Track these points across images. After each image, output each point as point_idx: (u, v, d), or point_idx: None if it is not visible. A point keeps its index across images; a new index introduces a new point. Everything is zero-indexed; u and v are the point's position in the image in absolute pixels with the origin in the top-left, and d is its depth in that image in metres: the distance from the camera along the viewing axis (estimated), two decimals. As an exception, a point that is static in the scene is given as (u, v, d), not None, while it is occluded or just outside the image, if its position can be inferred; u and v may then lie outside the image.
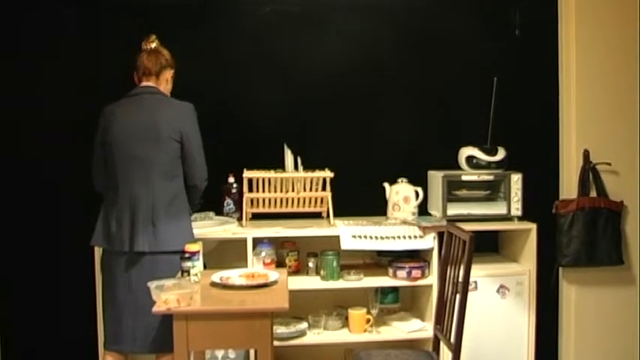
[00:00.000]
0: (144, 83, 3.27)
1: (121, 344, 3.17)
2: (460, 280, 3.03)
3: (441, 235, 3.54)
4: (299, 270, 3.89)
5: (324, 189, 3.81)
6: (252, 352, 3.66)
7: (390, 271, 3.77)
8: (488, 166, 3.94)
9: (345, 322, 3.84)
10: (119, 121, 3.17)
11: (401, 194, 3.91)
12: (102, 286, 3.28)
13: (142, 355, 3.37)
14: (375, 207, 3.96)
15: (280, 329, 3.68)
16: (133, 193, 3.13)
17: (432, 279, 3.74)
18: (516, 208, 3.87)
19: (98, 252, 3.50)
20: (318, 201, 3.86)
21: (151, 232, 3.11)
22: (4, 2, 3.91)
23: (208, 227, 3.64)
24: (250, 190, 3.77)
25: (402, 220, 3.84)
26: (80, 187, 3.49)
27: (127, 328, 3.14)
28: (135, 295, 3.03)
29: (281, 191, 3.79)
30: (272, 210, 3.86)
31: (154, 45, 3.31)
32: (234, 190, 3.91)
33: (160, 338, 3.00)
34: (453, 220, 3.65)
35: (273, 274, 3.05)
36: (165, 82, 3.32)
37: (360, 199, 4.00)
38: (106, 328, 3.23)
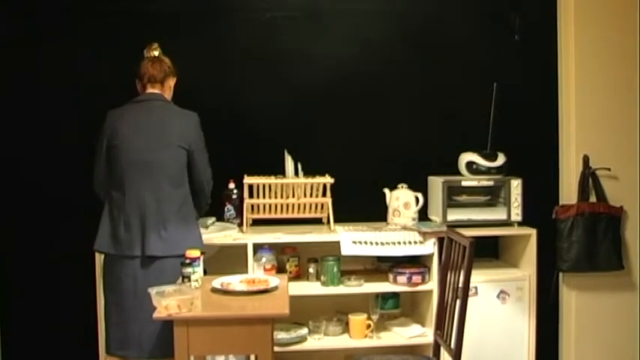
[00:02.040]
0: (149, 90, 3.28)
1: (127, 350, 3.17)
2: (460, 285, 3.03)
3: (441, 241, 3.54)
4: (299, 275, 3.89)
5: (324, 195, 3.82)
6: (252, 357, 3.65)
7: (391, 276, 3.77)
8: (488, 171, 3.94)
9: (346, 328, 3.84)
10: (127, 126, 3.18)
11: (401, 200, 3.92)
12: (104, 290, 3.27)
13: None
14: (376, 213, 3.96)
15: (281, 335, 3.67)
16: (141, 197, 3.14)
17: (433, 284, 3.74)
18: (516, 214, 3.88)
19: (99, 256, 3.50)
20: (319, 207, 3.86)
21: (163, 237, 3.12)
22: (5, 8, 3.92)
23: (209, 233, 3.64)
24: (251, 196, 3.78)
25: (402, 226, 3.84)
26: (80, 191, 3.49)
27: (133, 334, 3.14)
28: (141, 299, 3.01)
29: (281, 197, 3.79)
30: (272, 216, 3.87)
31: (156, 53, 3.32)
32: (234, 196, 3.92)
33: (166, 343, 2.99)
34: (453, 226, 3.64)
35: (274, 280, 3.05)
36: (168, 90, 3.34)
37: (360, 204, 4.00)
38: (110, 334, 3.22)
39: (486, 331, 3.78)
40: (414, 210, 3.92)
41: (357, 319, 3.78)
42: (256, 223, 3.89)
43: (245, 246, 3.64)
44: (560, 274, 4.07)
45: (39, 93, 3.96)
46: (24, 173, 3.97)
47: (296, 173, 3.80)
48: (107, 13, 3.97)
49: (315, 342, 3.75)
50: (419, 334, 3.81)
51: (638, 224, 4.07)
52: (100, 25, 3.96)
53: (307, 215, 3.88)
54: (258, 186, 3.75)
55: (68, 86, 3.93)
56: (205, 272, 3.15)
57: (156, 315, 2.65)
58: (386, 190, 3.96)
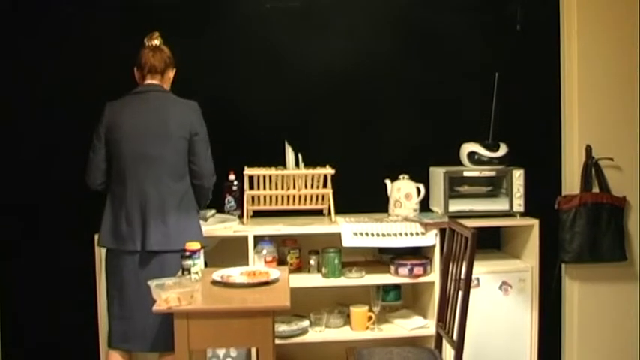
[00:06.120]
0: (149, 81, 3.24)
1: (131, 343, 3.17)
2: (462, 276, 3.01)
3: (442, 232, 3.53)
4: (300, 267, 3.88)
5: (325, 186, 3.80)
6: (253, 350, 3.65)
7: (392, 268, 3.76)
8: (490, 162, 3.92)
9: (347, 320, 3.83)
10: (127, 119, 3.15)
11: (402, 191, 3.90)
12: (107, 285, 3.25)
13: (143, 354, 3.36)
14: (377, 204, 3.95)
15: (282, 327, 3.66)
16: (142, 191, 3.12)
17: (434, 276, 3.73)
18: (518, 205, 3.86)
19: (98, 250, 3.49)
20: (320, 198, 3.84)
21: (163, 231, 3.10)
22: (4, 1, 3.90)
23: (209, 225, 3.63)
24: (251, 187, 3.76)
25: (403, 217, 3.82)
26: (80, 185, 3.46)
27: (136, 327, 3.13)
28: (143, 293, 2.98)
29: (282, 188, 3.77)
30: (273, 207, 3.85)
31: (157, 42, 3.27)
32: (235, 188, 3.90)
33: (169, 336, 2.96)
34: (455, 217, 3.63)
35: (275, 272, 3.03)
36: (168, 81, 3.30)
37: (361, 196, 3.99)
38: (113, 327, 3.21)
39: (488, 322, 3.77)
40: (415, 201, 3.90)
41: (358, 311, 3.76)
42: (257, 214, 3.87)
43: (245, 238, 3.62)
44: (563, 265, 4.05)
45: (38, 86, 3.93)
46: (24, 166, 3.95)
47: (296, 164, 3.78)
48: (107, 5, 3.94)
49: (317, 334, 3.74)
50: (421, 325, 3.80)
51: (640, 215, 4.05)
52: (99, 17, 3.93)
53: (308, 207, 3.86)
54: (258, 177, 3.73)
55: (68, 79, 3.90)
56: (206, 264, 3.13)
57: (156, 308, 2.64)
58: (387, 181, 3.95)
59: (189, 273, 2.93)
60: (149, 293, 2.73)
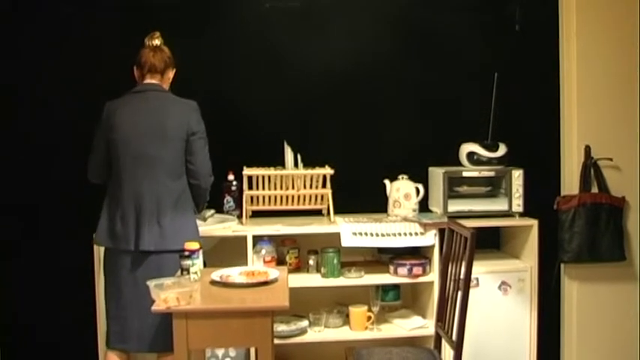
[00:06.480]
0: (148, 80, 3.23)
1: (127, 343, 3.16)
2: (461, 276, 3.01)
3: (442, 232, 3.52)
4: (299, 267, 3.88)
5: (324, 186, 3.80)
6: (252, 350, 3.65)
7: (391, 268, 3.76)
8: (489, 162, 3.92)
9: (346, 320, 3.83)
10: (126, 119, 3.14)
11: (402, 191, 3.90)
12: (105, 284, 3.26)
13: (142, 354, 3.36)
14: (376, 204, 3.95)
15: (281, 327, 3.67)
16: (138, 191, 3.12)
17: (433, 276, 3.73)
18: (517, 205, 3.86)
19: (97, 250, 3.50)
20: (319, 198, 3.84)
21: (157, 231, 3.10)
22: (4, 1, 3.90)
23: (208, 225, 3.63)
24: (250, 187, 3.76)
25: (402, 217, 3.82)
26: (80, 185, 3.47)
27: (133, 327, 3.13)
28: (141, 293, 2.99)
29: (281, 188, 3.78)
30: (272, 207, 3.85)
31: (158, 42, 3.26)
32: (234, 188, 3.90)
33: (167, 337, 2.97)
34: (454, 217, 3.63)
35: (274, 272, 3.03)
36: (167, 81, 3.29)
37: (360, 196, 3.99)
38: (110, 327, 3.21)
39: (488, 322, 3.77)
40: (414, 201, 3.90)
41: (357, 311, 3.76)
42: (256, 214, 3.87)
43: (244, 238, 3.62)
44: (562, 265, 4.05)
45: (38, 85, 3.93)
46: (24, 166, 3.95)
47: (296, 164, 3.78)
48: (107, 5, 3.94)
49: (316, 334, 3.74)
50: (420, 325, 3.80)
51: (639, 215, 4.04)
52: (99, 17, 3.93)
53: (307, 207, 3.86)
54: (257, 177, 3.73)
55: (68, 78, 3.90)
56: (205, 264, 3.13)
57: (154, 308, 2.64)
58: (386, 181, 3.94)
59: (188, 273, 2.93)
60: (146, 293, 2.73)
